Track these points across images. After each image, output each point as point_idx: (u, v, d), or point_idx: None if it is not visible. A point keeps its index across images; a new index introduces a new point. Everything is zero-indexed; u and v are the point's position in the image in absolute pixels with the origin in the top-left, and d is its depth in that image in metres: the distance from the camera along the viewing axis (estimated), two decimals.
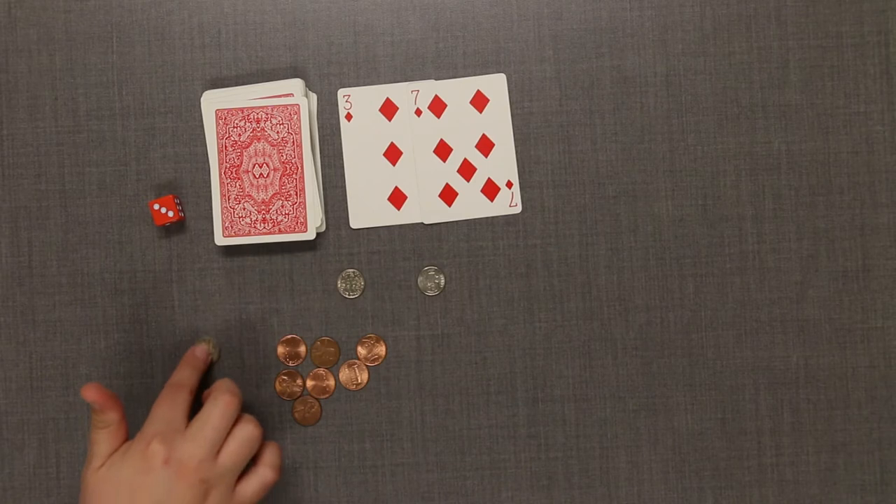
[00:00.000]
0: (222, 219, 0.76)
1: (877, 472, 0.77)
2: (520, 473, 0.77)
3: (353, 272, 0.77)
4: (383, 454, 0.77)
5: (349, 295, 0.77)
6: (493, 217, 0.77)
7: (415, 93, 0.77)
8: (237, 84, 0.78)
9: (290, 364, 0.77)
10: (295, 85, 0.76)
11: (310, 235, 0.76)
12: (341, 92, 0.77)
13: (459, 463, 0.77)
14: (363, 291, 0.77)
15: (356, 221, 0.77)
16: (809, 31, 0.78)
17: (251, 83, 0.77)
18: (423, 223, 0.77)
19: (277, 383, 0.77)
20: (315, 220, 0.76)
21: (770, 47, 0.78)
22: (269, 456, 0.70)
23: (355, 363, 0.77)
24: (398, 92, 0.77)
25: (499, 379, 0.77)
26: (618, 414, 0.77)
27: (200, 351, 0.75)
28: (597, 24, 0.78)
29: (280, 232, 0.76)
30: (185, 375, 0.72)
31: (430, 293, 0.77)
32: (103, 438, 0.68)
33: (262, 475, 0.69)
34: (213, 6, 0.78)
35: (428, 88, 0.77)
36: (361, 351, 0.77)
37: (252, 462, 0.70)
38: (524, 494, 0.77)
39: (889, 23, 0.78)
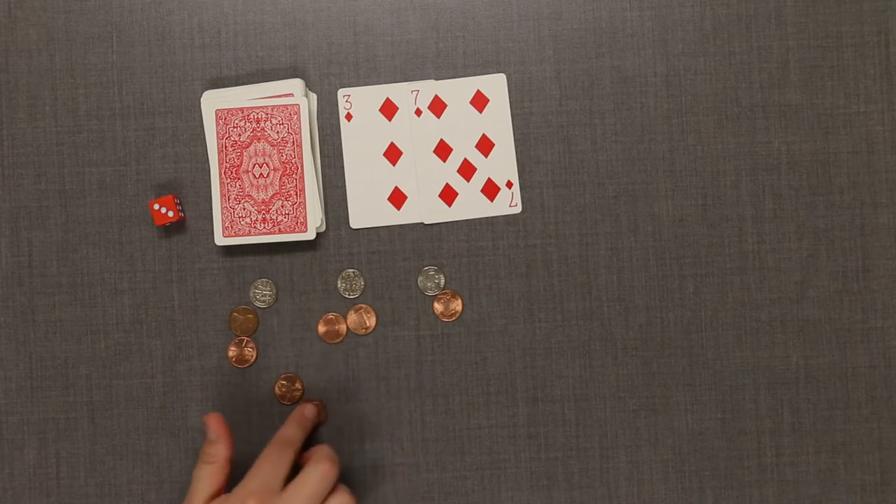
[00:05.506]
0: (222, 219, 0.76)
1: (877, 472, 0.77)
2: (520, 473, 0.77)
3: (353, 272, 0.77)
4: (383, 454, 0.77)
5: (349, 295, 0.77)
6: (493, 217, 0.77)
7: (415, 93, 0.77)
8: (237, 84, 0.78)
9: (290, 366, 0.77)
10: (295, 85, 0.76)
11: (310, 235, 0.76)
12: (341, 92, 0.77)
13: (459, 463, 0.77)
14: (363, 291, 0.77)
15: (356, 221, 0.77)
16: (809, 31, 0.78)
17: (251, 83, 0.77)
18: (423, 223, 0.77)
19: (277, 387, 0.77)
20: (315, 220, 0.76)
21: (770, 47, 0.78)
22: None
23: (361, 307, 0.76)
24: (398, 92, 0.77)
25: (499, 379, 0.77)
26: (618, 414, 0.77)
27: (310, 411, 0.74)
28: (597, 24, 0.78)
29: (280, 232, 0.76)
30: (293, 433, 0.71)
31: (430, 293, 0.77)
32: (207, 475, 0.69)
33: None
34: (213, 6, 0.78)
35: (428, 88, 0.77)
36: (438, 307, 0.76)
37: None
38: (524, 494, 0.77)
39: (889, 23, 0.78)
